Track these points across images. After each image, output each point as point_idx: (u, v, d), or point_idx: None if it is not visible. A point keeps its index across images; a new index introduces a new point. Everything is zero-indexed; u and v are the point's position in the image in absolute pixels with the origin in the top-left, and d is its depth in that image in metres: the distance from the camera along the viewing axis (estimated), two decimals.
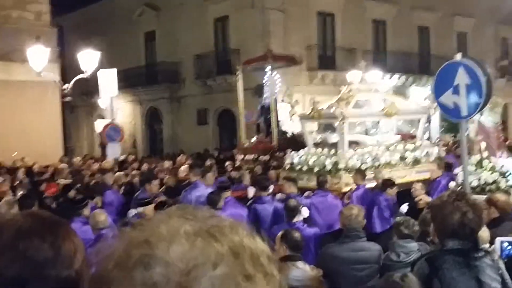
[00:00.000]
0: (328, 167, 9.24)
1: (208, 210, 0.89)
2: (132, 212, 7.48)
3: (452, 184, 8.19)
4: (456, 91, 5.58)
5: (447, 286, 2.61)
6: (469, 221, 2.68)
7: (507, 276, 2.74)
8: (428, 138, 20.59)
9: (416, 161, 10.01)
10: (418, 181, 8.35)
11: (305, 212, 6.92)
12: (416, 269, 2.82)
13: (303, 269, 4.51)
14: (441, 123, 24.74)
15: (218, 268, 0.75)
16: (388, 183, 8.27)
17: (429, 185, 8.44)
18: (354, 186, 8.61)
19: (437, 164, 9.35)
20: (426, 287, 2.68)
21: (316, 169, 9.35)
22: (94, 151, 26.03)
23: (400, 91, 22.83)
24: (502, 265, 2.80)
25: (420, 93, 19.37)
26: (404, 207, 7.83)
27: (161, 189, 9.98)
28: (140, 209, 6.94)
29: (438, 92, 5.83)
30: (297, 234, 4.65)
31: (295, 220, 6.34)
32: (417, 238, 4.99)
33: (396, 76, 24.83)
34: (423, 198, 7.40)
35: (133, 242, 0.78)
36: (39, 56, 14.60)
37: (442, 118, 23.35)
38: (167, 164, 14.58)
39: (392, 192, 8.19)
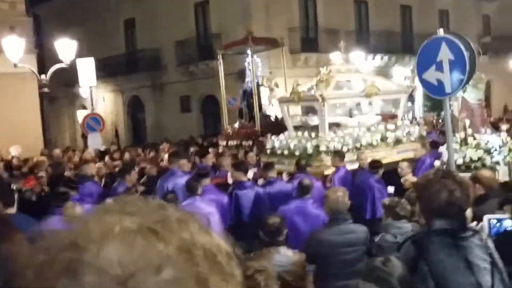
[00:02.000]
0: (309, 150, 9.10)
1: (157, 201, 0.74)
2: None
3: (437, 162, 8.10)
4: (439, 67, 5.44)
5: (435, 268, 2.48)
6: (457, 199, 2.55)
7: (496, 255, 2.61)
8: (413, 118, 20.66)
9: (398, 141, 9.93)
10: (403, 160, 8.23)
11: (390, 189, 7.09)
12: (403, 252, 2.68)
13: (285, 254, 4.41)
14: (424, 102, 24.84)
15: (163, 273, 0.63)
16: (375, 164, 8.13)
17: (414, 164, 8.32)
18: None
19: (420, 143, 9.24)
20: (413, 270, 2.54)
21: (297, 153, 9.21)
22: (76, 142, 25.69)
23: (383, 71, 22.79)
24: (491, 244, 2.67)
25: (403, 73, 19.26)
26: (391, 188, 7.72)
27: (143, 179, 9.80)
28: None
29: (421, 69, 5.69)
30: (276, 220, 4.51)
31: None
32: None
33: (378, 56, 24.74)
34: (408, 178, 7.29)
35: (58, 245, 0.65)
36: (15, 47, 14.20)
37: (425, 97, 23.47)
38: (151, 153, 14.40)
39: (379, 174, 8.09)
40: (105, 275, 0.62)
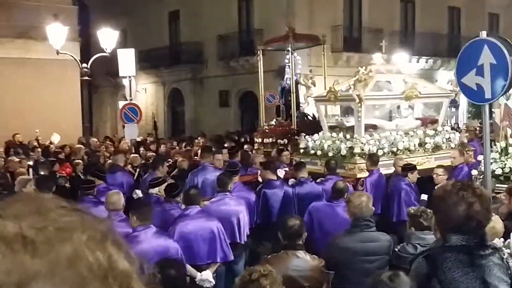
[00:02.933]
0: (343, 152, 8.88)
1: (64, 203, 0.64)
2: (138, 193, 7.28)
3: (474, 172, 7.75)
4: (480, 72, 5.16)
5: (447, 287, 2.29)
6: (476, 213, 2.35)
7: None
8: (456, 124, 20.04)
9: (437, 147, 9.57)
10: (440, 166, 7.92)
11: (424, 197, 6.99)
12: (414, 267, 2.50)
13: (303, 259, 4.28)
14: (468, 109, 24.06)
15: None
16: (408, 167, 7.88)
17: (451, 172, 8.00)
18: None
19: (458, 150, 8.88)
20: (425, 287, 2.36)
21: (330, 154, 9.00)
22: (117, 132, 26.10)
23: (427, 74, 22.20)
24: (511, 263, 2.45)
25: (448, 77, 18.70)
26: (424, 196, 7.45)
27: (174, 172, 9.79)
28: (155, 190, 6.70)
29: (460, 73, 5.42)
30: (296, 222, 4.37)
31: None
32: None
33: (423, 59, 24.10)
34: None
35: None
36: (58, 34, 14.47)
37: (470, 104, 22.72)
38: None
39: (413, 177, 7.82)
40: None
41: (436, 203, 2.55)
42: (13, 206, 0.61)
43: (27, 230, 0.57)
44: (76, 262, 0.56)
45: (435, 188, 7.33)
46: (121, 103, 17.57)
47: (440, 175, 7.46)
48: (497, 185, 6.76)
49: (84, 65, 14.75)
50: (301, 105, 14.43)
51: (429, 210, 4.82)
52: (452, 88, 10.15)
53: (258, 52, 14.74)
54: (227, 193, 6.41)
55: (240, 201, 6.57)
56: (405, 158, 8.94)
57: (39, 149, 13.53)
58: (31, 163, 10.47)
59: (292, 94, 13.82)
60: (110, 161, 11.08)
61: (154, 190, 6.69)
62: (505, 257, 2.42)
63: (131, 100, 14.26)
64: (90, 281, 0.56)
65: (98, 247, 0.59)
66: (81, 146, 13.46)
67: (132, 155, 11.94)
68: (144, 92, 26.32)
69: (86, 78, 14.88)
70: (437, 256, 2.39)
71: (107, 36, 14.96)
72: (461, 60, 5.42)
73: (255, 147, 13.24)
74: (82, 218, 0.63)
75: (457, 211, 2.36)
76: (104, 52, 14.84)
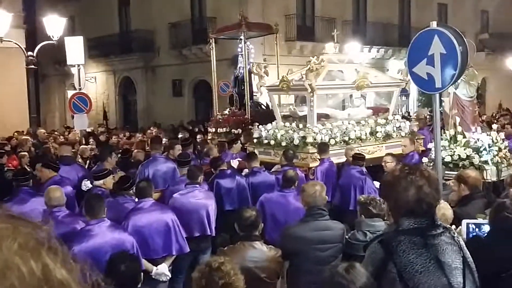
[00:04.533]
0: (296, 141, 8.90)
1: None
2: (87, 184, 7.04)
3: (425, 159, 7.92)
4: (430, 61, 5.23)
5: (404, 269, 2.33)
6: (425, 195, 2.39)
7: (468, 253, 2.47)
8: (406, 113, 20.49)
9: (387, 136, 9.72)
10: (388, 154, 8.04)
11: (377, 184, 6.83)
12: (369, 253, 2.52)
13: (260, 250, 4.25)
14: (418, 97, 24.67)
15: None
16: (358, 157, 7.94)
17: (402, 160, 8.14)
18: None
19: (409, 139, 9.05)
20: (381, 272, 2.40)
21: (283, 144, 9.00)
22: (66, 123, 25.36)
23: (379, 64, 22.56)
24: (462, 242, 2.53)
25: (399, 66, 19.06)
26: (377, 184, 7.55)
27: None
28: (99, 182, 6.51)
29: (412, 62, 5.47)
30: (252, 213, 4.33)
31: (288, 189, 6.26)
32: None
33: (375, 48, 24.46)
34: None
35: None
36: (1, 21, 13.85)
37: (419, 92, 23.29)
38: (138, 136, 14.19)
39: (361, 166, 7.89)
40: None
41: (387, 189, 2.57)
42: None
43: None
44: (6, 273, 0.51)
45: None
46: (69, 93, 17.05)
47: (389, 162, 7.58)
48: (446, 172, 6.93)
49: (30, 53, 14.19)
50: (254, 94, 14.38)
51: (378, 198, 4.87)
52: (403, 77, 10.32)
53: (211, 41, 14.58)
54: (197, 185, 6.32)
55: (209, 193, 6.51)
56: (356, 147, 9.04)
57: None
58: None
59: (245, 84, 13.76)
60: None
61: (98, 182, 6.50)
62: (455, 236, 2.48)
63: (80, 89, 13.82)
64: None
65: (31, 255, 0.55)
66: (28, 137, 12.98)
67: (82, 146, 11.62)
68: (93, 81, 25.65)
69: (32, 66, 14.33)
70: (391, 240, 2.41)
71: (54, 23, 14.44)
72: (412, 50, 5.47)
73: (209, 137, 13.13)
74: (14, 224, 0.57)
75: (407, 196, 2.39)
76: (51, 40, 14.32)
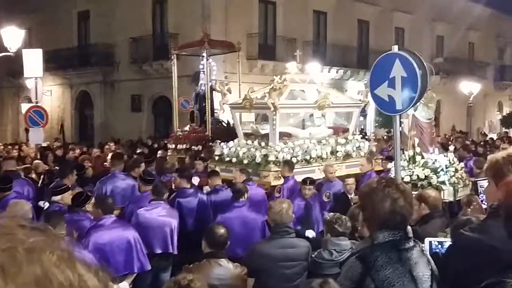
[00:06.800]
0: (258, 159, 8.92)
1: (22, 221, 0.64)
2: (45, 205, 6.83)
3: None
4: (391, 84, 5.34)
5: (381, 285, 2.39)
6: (400, 208, 2.46)
7: (434, 266, 2.57)
8: (363, 132, 20.86)
9: (347, 155, 9.87)
10: (349, 175, 8.16)
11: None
12: (347, 268, 2.56)
13: (226, 267, 4.22)
14: (376, 118, 25.19)
15: None
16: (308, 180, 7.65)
17: (360, 179, 8.27)
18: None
19: (366, 158, 9.22)
20: (359, 287, 2.44)
21: (245, 161, 9.01)
22: (19, 136, 24.65)
23: (338, 84, 22.93)
24: (429, 255, 2.65)
25: (357, 87, 19.45)
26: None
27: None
28: (57, 198, 6.35)
29: (373, 84, 5.57)
30: (221, 230, 4.30)
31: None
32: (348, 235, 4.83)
33: (334, 69, 24.90)
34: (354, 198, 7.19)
35: None
36: None
37: (377, 113, 23.79)
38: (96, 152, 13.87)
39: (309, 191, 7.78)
40: None
41: (363, 200, 2.62)
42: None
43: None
44: (46, 283, 0.55)
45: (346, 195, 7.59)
46: (24, 106, 16.62)
47: (350, 184, 7.74)
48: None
49: None
50: (215, 111, 14.38)
51: (344, 217, 4.92)
52: (363, 98, 10.53)
53: (172, 57, 14.54)
54: (161, 201, 6.23)
55: (173, 211, 6.42)
56: (317, 166, 9.11)
57: None
58: None
59: (207, 100, 13.75)
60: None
61: (56, 198, 6.35)
62: (423, 249, 2.58)
63: (37, 102, 13.49)
64: None
65: (67, 266, 0.58)
66: None
67: (36, 161, 11.27)
68: (49, 95, 25.05)
69: None
70: (368, 257, 2.45)
71: (12, 35, 14.11)
72: (374, 73, 5.57)
73: (169, 153, 12.99)
74: (47, 237, 0.61)
75: (383, 208, 2.44)
76: (8, 51, 13.97)
